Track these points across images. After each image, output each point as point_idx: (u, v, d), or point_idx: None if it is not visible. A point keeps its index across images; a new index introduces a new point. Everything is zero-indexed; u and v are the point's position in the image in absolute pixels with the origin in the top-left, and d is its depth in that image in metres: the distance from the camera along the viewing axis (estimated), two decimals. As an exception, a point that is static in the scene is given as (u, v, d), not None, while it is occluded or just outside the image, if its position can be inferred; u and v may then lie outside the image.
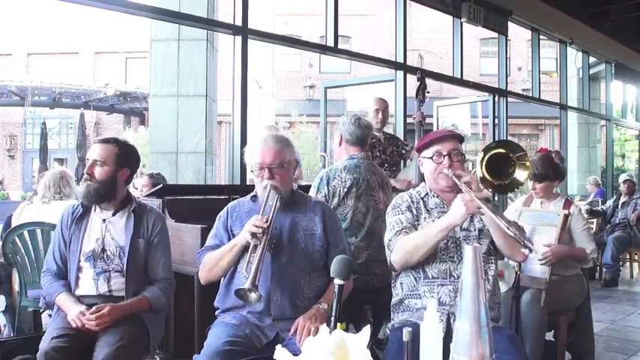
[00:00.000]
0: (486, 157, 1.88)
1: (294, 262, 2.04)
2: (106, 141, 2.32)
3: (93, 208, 2.33)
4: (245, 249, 1.97)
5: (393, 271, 2.11)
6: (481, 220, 2.04)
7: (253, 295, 1.81)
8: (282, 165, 2.05)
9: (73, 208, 2.35)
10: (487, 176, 1.86)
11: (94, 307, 2.12)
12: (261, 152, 2.05)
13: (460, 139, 2.15)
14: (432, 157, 2.08)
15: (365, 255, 2.71)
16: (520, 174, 1.86)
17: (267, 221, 1.91)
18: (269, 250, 1.96)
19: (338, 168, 2.82)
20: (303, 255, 2.06)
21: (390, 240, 2.03)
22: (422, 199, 2.13)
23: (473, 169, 1.91)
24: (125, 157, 2.33)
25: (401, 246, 1.97)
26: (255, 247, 1.90)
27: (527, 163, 1.86)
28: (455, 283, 1.96)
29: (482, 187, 1.87)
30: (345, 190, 2.74)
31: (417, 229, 2.04)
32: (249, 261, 1.90)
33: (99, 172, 2.25)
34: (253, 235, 1.90)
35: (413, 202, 2.12)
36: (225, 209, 2.20)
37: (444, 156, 2.05)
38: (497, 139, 7.46)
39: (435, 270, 2.00)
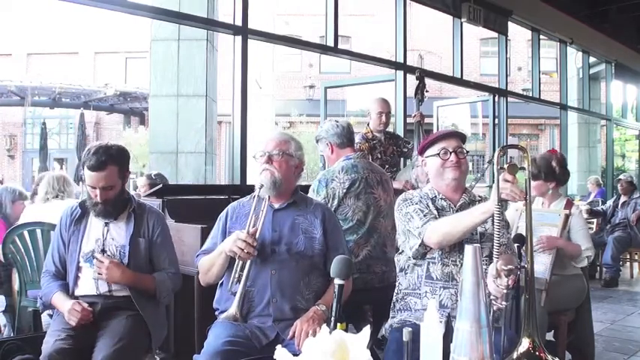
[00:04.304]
0: None
1: (293, 263, 2.04)
2: (102, 167, 2.19)
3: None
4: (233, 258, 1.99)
5: (410, 259, 2.10)
6: (483, 224, 2.04)
7: (240, 320, 1.95)
8: (282, 154, 2.11)
9: (72, 209, 2.35)
10: None
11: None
12: (266, 141, 2.17)
13: (463, 138, 2.17)
14: (438, 154, 2.09)
15: (365, 252, 2.71)
16: None
17: (254, 240, 1.94)
18: (258, 257, 2.01)
19: (335, 170, 2.81)
20: (302, 257, 2.06)
21: (418, 227, 2.02)
22: (430, 199, 2.14)
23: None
24: (123, 165, 2.30)
25: (439, 226, 1.97)
26: (242, 264, 1.95)
27: None
28: (457, 287, 1.96)
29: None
30: (344, 190, 2.74)
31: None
32: (235, 280, 1.97)
33: (111, 194, 2.25)
34: (240, 250, 1.92)
35: (422, 197, 2.14)
36: (225, 210, 2.20)
37: (451, 152, 2.07)
38: (497, 139, 7.48)
39: (439, 272, 2.01)
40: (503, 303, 1.66)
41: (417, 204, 2.09)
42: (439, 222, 2.00)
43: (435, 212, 2.08)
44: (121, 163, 2.27)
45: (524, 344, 1.44)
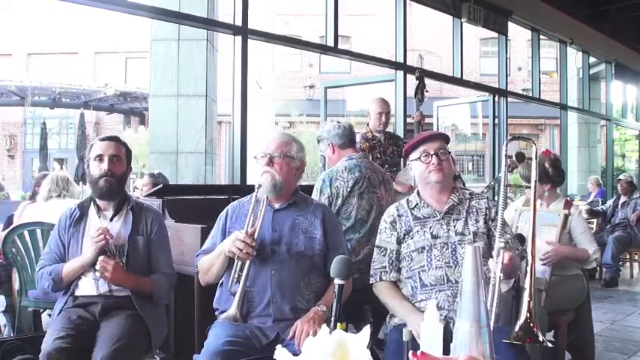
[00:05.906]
0: None
1: (293, 263, 2.05)
2: (112, 139, 2.37)
3: (95, 209, 2.33)
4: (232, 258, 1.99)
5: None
6: (476, 223, 2.05)
7: (240, 320, 1.95)
8: (283, 156, 2.10)
9: (71, 210, 2.35)
10: None
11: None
12: (267, 142, 2.15)
13: (446, 138, 2.18)
14: (419, 158, 2.10)
15: (366, 250, 2.71)
16: None
17: (252, 240, 1.94)
18: (258, 257, 2.01)
19: (339, 169, 2.84)
20: (302, 257, 2.06)
21: (374, 268, 2.17)
22: (411, 210, 2.14)
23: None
24: (129, 155, 2.40)
25: (382, 294, 2.14)
26: (241, 264, 1.96)
27: None
28: (453, 288, 1.96)
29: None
30: (348, 189, 2.76)
31: (400, 246, 2.12)
32: (234, 280, 1.97)
33: (117, 167, 2.30)
34: (239, 250, 1.92)
35: (400, 215, 2.15)
36: (225, 210, 2.21)
37: (432, 155, 2.07)
38: (497, 139, 7.47)
39: (432, 277, 2.01)
40: (503, 285, 1.68)
41: (387, 228, 2.16)
42: (384, 292, 2.12)
43: (418, 226, 2.10)
44: (127, 150, 2.39)
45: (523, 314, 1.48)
